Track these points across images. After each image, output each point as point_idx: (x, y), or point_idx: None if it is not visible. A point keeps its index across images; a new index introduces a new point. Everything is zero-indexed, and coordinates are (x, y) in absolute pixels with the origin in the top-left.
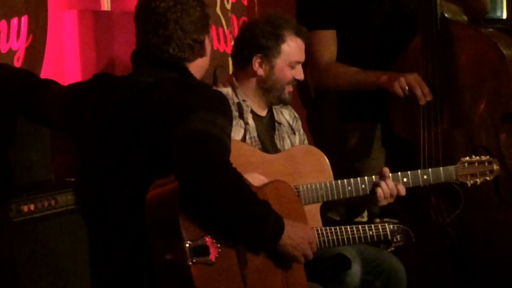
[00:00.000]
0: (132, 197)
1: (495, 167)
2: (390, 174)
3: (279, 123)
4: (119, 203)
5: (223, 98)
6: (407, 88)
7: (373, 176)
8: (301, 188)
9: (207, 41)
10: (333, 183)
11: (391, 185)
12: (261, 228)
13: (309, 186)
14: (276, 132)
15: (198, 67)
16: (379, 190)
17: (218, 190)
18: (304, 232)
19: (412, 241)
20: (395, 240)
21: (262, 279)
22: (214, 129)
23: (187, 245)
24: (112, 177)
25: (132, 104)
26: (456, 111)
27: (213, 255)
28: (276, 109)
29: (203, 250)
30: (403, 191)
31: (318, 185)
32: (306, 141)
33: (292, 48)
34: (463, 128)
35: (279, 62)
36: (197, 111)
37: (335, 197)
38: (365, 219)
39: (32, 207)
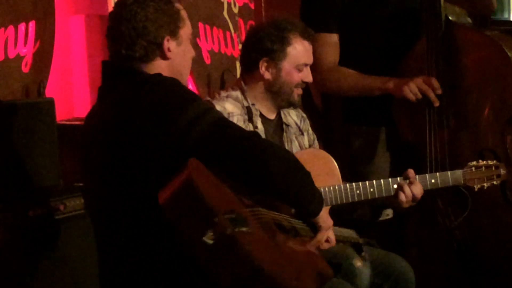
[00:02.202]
0: (128, 204)
1: (502, 171)
2: (398, 178)
3: (287, 125)
4: (117, 209)
5: (179, 84)
6: (418, 93)
7: (381, 180)
8: None
9: (170, 44)
10: (342, 187)
11: (416, 190)
12: (311, 194)
13: None
14: (284, 134)
15: (159, 70)
16: (401, 195)
17: (273, 160)
18: (328, 218)
19: None
20: None
21: (292, 253)
22: (211, 115)
23: (226, 216)
24: (103, 191)
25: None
26: (462, 114)
27: (251, 225)
28: (283, 111)
29: (241, 221)
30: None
31: (327, 189)
32: (316, 141)
33: (298, 50)
34: (469, 131)
35: (286, 65)
36: (185, 110)
37: (344, 200)
38: (390, 216)
39: (40, 211)
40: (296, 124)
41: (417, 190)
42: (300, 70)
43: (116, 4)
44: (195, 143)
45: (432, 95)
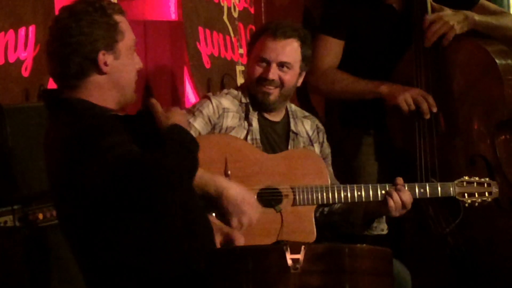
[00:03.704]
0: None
1: (495, 189)
2: (387, 185)
3: (295, 133)
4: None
5: (90, 118)
6: (412, 104)
7: (370, 185)
8: (296, 189)
9: (107, 58)
10: (329, 187)
11: (405, 197)
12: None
13: (304, 188)
14: (291, 141)
15: (98, 85)
16: (390, 201)
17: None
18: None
19: None
20: None
21: None
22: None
23: None
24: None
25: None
26: (452, 120)
27: None
28: (295, 119)
29: None
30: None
31: (314, 187)
32: (329, 156)
33: (258, 45)
34: (459, 137)
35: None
36: (86, 153)
37: (330, 201)
38: (385, 232)
39: (40, 216)
40: (307, 133)
41: (406, 197)
42: (259, 64)
43: (53, 18)
44: (95, 178)
45: (425, 107)
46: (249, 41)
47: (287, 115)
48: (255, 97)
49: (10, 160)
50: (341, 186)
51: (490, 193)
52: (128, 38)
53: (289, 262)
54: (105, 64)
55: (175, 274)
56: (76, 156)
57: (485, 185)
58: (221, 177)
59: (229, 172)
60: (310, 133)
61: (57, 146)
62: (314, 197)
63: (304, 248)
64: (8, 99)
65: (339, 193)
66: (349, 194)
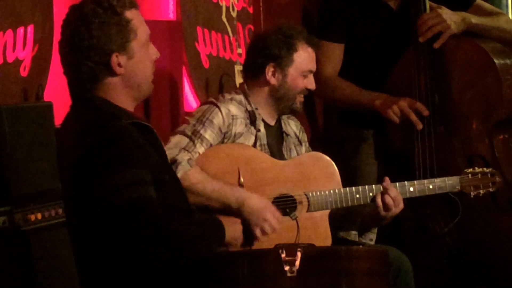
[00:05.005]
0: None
1: (498, 179)
2: (397, 184)
3: (287, 134)
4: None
5: (119, 136)
6: (399, 114)
7: (381, 185)
8: (310, 195)
9: (120, 59)
10: (342, 191)
11: (394, 194)
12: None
13: (318, 193)
14: (284, 143)
15: (113, 87)
16: (380, 204)
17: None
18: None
19: None
20: None
21: None
22: (128, 193)
23: None
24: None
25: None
26: (450, 120)
27: None
28: (283, 120)
29: None
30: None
31: (327, 192)
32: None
33: (303, 57)
34: (458, 137)
35: (292, 71)
36: (101, 178)
37: (343, 204)
38: (373, 242)
39: (39, 216)
40: (295, 134)
41: (393, 193)
42: (305, 77)
43: (62, 21)
44: (103, 214)
45: (414, 118)
46: (275, 50)
47: (278, 118)
48: (286, 105)
49: (8, 160)
50: (353, 188)
51: (493, 183)
52: (141, 34)
53: (285, 265)
54: (119, 65)
55: (172, 277)
56: (90, 172)
57: (489, 175)
58: (240, 188)
59: (241, 181)
60: (297, 133)
61: (72, 147)
62: (328, 202)
63: (300, 251)
64: (6, 99)
65: (351, 196)
66: (361, 196)
